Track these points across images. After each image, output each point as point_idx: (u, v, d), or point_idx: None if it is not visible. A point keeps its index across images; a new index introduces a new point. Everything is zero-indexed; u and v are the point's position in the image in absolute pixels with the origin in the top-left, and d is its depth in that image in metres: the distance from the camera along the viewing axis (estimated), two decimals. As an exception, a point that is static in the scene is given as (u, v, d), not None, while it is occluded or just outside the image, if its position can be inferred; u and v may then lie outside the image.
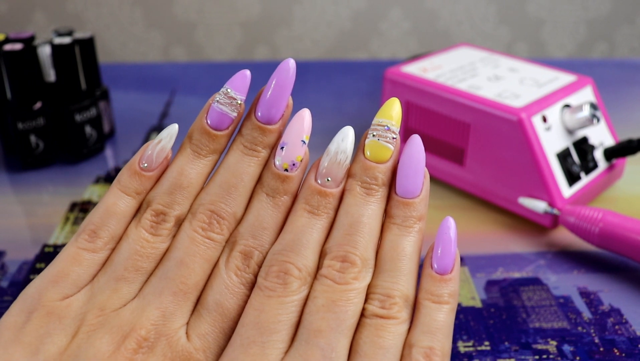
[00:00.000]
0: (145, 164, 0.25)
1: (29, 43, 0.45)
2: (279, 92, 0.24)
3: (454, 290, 0.23)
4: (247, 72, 0.25)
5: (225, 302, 0.23)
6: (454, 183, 0.42)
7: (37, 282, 0.23)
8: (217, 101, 0.25)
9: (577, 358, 0.29)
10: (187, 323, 0.23)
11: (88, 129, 0.46)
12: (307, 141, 0.24)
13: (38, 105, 0.44)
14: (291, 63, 0.24)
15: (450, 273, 0.23)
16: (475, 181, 0.41)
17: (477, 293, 0.33)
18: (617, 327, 0.31)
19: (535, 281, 0.34)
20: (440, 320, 0.23)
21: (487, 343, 0.30)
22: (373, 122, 0.25)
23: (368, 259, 0.23)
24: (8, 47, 0.42)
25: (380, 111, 0.24)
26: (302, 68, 0.65)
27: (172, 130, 0.25)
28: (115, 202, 0.25)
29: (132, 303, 0.23)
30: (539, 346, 0.29)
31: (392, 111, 0.24)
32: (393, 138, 0.24)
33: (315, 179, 0.24)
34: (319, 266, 0.23)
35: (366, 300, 0.23)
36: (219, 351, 0.22)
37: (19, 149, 0.44)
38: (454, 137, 0.41)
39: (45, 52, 0.44)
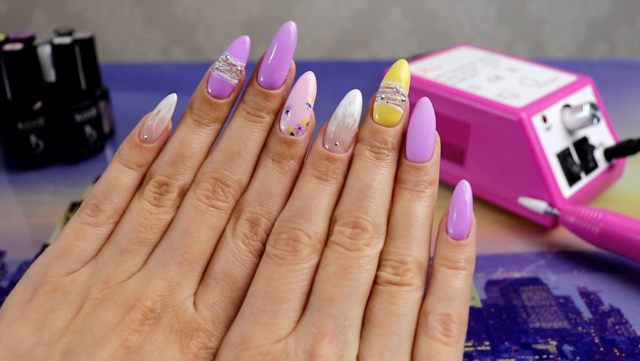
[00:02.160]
0: (146, 136, 0.24)
1: (29, 43, 0.45)
2: (281, 55, 0.24)
3: (471, 255, 0.23)
4: (247, 38, 0.24)
5: (233, 271, 0.22)
6: (454, 183, 0.42)
7: (42, 259, 0.23)
8: (217, 68, 0.24)
9: (577, 358, 0.29)
10: (195, 294, 0.22)
11: (88, 129, 0.46)
12: (312, 104, 0.24)
13: (38, 105, 0.44)
14: (292, 26, 0.24)
15: (467, 238, 0.23)
16: (475, 181, 0.41)
17: (477, 293, 0.33)
18: (617, 327, 0.31)
19: (535, 281, 0.34)
20: (457, 286, 0.22)
21: (487, 343, 0.30)
22: (381, 84, 0.23)
23: (380, 225, 0.22)
24: (8, 47, 0.42)
25: (388, 73, 0.23)
26: (302, 68, 0.64)
27: (170, 100, 0.25)
28: (116, 175, 0.24)
29: (137, 275, 0.22)
30: (539, 346, 0.29)
31: (400, 73, 0.23)
32: (402, 101, 0.23)
33: (323, 144, 0.23)
34: (329, 233, 0.22)
35: (379, 267, 0.22)
36: (229, 322, 0.22)
37: (19, 149, 0.44)
38: (454, 137, 0.41)
39: (45, 52, 0.44)
